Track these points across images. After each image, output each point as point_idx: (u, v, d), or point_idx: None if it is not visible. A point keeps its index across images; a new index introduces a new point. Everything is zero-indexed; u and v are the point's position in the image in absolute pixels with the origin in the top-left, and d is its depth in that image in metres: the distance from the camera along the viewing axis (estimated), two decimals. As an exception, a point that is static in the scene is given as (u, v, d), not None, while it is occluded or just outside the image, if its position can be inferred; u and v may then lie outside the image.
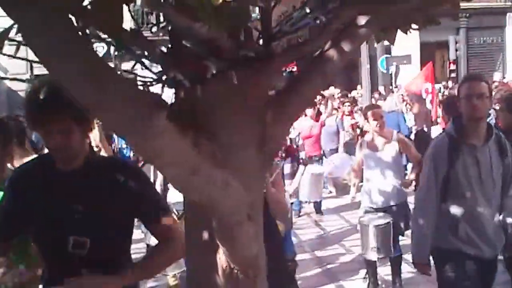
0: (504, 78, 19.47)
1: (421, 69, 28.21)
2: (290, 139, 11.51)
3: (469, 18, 29.73)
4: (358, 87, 24.84)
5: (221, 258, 1.74)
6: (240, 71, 1.64)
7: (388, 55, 28.94)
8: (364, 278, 7.28)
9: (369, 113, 7.13)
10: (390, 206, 6.84)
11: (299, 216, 11.40)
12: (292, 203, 10.41)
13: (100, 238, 2.82)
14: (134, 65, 1.74)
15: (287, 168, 6.88)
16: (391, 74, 28.58)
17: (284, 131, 1.90)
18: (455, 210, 4.27)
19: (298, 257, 8.43)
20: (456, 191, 4.24)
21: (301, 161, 8.68)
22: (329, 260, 8.67)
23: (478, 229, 4.24)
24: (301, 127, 11.44)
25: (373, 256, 6.57)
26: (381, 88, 20.91)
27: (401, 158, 7.15)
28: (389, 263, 7.09)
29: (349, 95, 17.92)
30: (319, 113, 12.06)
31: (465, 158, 4.18)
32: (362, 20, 1.87)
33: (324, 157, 11.86)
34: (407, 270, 7.04)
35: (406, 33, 2.42)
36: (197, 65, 1.58)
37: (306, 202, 10.81)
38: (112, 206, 2.84)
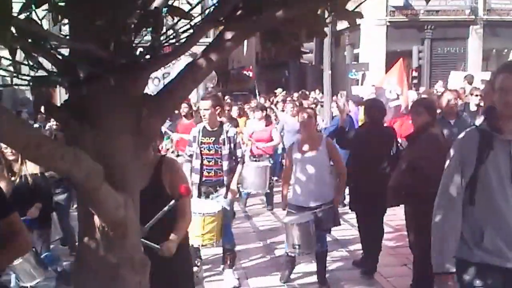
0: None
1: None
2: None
3: (434, 30, 30.21)
4: (316, 91, 25.45)
5: (96, 219, 2.02)
6: (118, 75, 1.91)
7: (354, 63, 29.54)
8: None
9: (300, 114, 7.25)
10: (316, 206, 6.86)
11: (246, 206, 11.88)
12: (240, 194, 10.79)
13: None
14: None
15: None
16: (358, 80, 29.13)
17: (158, 123, 2.17)
18: (482, 214, 3.67)
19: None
20: (484, 192, 3.62)
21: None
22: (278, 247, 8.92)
23: (507, 236, 3.61)
24: (253, 128, 11.67)
25: (293, 252, 6.74)
26: (342, 93, 21.40)
27: (328, 162, 7.08)
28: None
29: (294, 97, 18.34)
30: (268, 117, 12.10)
31: (497, 155, 3.56)
32: (228, 35, 2.13)
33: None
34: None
35: (289, 43, 2.64)
36: (73, 70, 1.84)
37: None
38: None
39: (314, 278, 7.25)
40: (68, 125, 1.97)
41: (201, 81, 2.25)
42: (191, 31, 2.16)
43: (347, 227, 9.61)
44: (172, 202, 3.83)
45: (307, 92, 23.95)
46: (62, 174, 1.91)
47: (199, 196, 7.03)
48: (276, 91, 26.86)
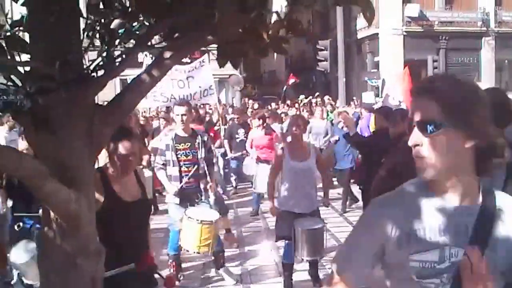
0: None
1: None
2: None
3: (448, 40, 30.27)
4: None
5: (51, 212, 2.29)
6: (71, 88, 2.18)
7: (373, 70, 29.71)
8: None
9: (292, 121, 7.14)
10: (304, 213, 6.67)
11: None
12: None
13: None
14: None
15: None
16: (378, 87, 29.32)
17: (108, 131, 2.43)
18: None
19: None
20: None
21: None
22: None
23: None
24: (254, 137, 11.55)
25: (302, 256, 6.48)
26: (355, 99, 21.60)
27: (315, 169, 6.88)
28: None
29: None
30: (267, 126, 11.88)
31: None
32: (167, 54, 2.39)
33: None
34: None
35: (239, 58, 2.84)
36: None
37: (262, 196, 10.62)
38: None
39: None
40: (30, 130, 2.25)
41: (145, 94, 2.52)
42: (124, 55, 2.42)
43: (348, 227, 9.57)
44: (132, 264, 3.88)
45: (329, 98, 23.94)
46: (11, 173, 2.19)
47: (181, 203, 6.83)
48: (299, 98, 26.92)
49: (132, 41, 2.41)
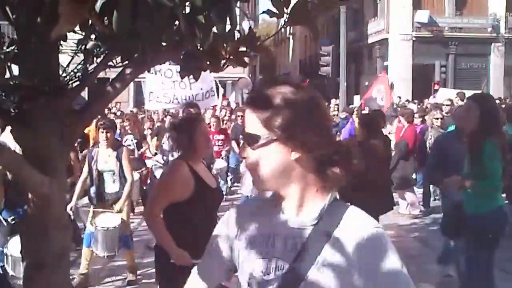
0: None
1: (412, 86, 29.68)
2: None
3: (457, 46, 30.61)
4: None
5: (29, 193, 2.92)
6: (48, 97, 2.81)
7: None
8: None
9: None
10: None
11: None
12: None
13: None
14: None
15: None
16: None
17: (78, 130, 3.06)
18: None
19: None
20: None
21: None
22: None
23: None
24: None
25: None
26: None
27: None
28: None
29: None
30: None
31: None
32: (127, 70, 3.01)
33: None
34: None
35: (208, 71, 3.39)
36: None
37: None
38: None
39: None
40: (14, 128, 2.89)
41: (110, 101, 3.17)
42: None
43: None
44: None
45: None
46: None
47: None
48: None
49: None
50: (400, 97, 24.32)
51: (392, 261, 1.57)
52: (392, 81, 29.47)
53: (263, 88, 1.66)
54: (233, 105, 18.67)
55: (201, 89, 12.06)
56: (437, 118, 10.17)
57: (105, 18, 2.12)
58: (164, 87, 11.86)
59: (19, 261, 5.31)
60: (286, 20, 2.99)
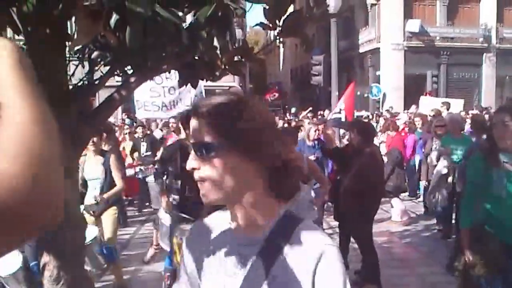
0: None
1: (405, 96, 29.96)
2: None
3: (449, 56, 30.97)
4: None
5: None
6: (59, 104, 3.10)
7: (376, 84, 30.57)
8: None
9: None
10: None
11: None
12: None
13: None
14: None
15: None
16: (379, 100, 30.29)
17: (87, 132, 3.33)
18: None
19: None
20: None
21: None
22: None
23: None
24: None
25: None
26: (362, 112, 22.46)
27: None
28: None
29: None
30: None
31: None
32: (132, 79, 3.30)
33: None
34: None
35: (205, 80, 3.66)
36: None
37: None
38: None
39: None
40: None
41: (117, 108, 3.44)
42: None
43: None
44: None
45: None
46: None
47: None
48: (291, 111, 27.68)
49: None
50: (392, 107, 24.70)
51: (337, 282, 1.55)
52: (384, 91, 30.02)
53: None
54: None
55: (189, 92, 11.75)
56: (438, 126, 9.76)
57: (117, 33, 2.42)
58: (152, 95, 11.83)
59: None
60: (279, 32, 3.29)
